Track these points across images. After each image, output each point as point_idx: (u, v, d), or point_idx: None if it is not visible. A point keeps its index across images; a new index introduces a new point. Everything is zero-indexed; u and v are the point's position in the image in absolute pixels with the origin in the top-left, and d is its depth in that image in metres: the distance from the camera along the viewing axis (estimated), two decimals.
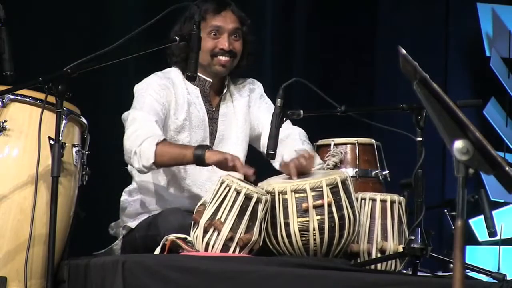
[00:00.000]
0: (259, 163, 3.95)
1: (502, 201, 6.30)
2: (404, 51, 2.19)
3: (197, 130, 3.92)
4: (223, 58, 3.89)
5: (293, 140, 3.93)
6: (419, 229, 3.38)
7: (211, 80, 3.96)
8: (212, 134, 3.96)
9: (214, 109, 3.99)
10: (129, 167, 3.87)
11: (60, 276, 3.39)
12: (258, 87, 4.11)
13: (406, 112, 3.54)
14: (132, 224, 3.90)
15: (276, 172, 3.87)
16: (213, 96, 4.00)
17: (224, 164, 3.55)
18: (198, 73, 3.82)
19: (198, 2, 3.84)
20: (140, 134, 3.68)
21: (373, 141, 4.17)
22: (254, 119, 4.06)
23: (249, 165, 3.60)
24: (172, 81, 3.92)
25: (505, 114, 6.44)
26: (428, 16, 6.32)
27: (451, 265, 3.73)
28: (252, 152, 4.09)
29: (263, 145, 3.99)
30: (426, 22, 6.32)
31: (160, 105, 3.83)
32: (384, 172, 4.13)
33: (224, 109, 4.01)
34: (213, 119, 3.98)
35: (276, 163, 3.90)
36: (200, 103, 3.95)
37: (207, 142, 3.93)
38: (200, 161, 3.61)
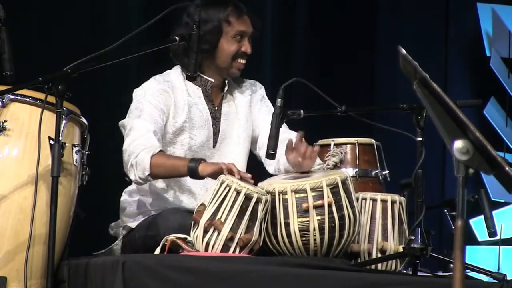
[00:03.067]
0: (259, 163, 3.95)
1: (503, 201, 6.30)
2: (404, 51, 2.19)
3: (201, 130, 3.92)
4: (242, 61, 3.92)
5: None
6: (419, 229, 3.38)
7: (213, 80, 3.96)
8: (216, 133, 3.96)
9: (216, 108, 3.99)
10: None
11: (60, 276, 3.39)
12: (260, 89, 4.11)
13: (406, 112, 3.54)
14: (132, 224, 3.90)
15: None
16: (215, 95, 4.00)
17: (219, 175, 3.53)
18: (201, 74, 3.84)
19: (198, 2, 3.84)
20: (136, 146, 3.69)
21: (373, 141, 4.17)
22: (253, 120, 4.05)
23: (249, 165, 3.60)
24: (172, 84, 3.91)
25: (505, 114, 6.43)
26: (428, 16, 6.32)
27: (451, 265, 3.73)
28: (252, 152, 4.08)
29: (259, 147, 3.99)
30: (426, 22, 6.31)
31: (159, 111, 3.82)
32: (384, 172, 4.13)
33: (226, 108, 4.01)
34: (216, 118, 3.97)
35: (270, 167, 3.90)
36: (202, 103, 3.95)
37: (211, 142, 3.93)
38: (193, 174, 3.61)
